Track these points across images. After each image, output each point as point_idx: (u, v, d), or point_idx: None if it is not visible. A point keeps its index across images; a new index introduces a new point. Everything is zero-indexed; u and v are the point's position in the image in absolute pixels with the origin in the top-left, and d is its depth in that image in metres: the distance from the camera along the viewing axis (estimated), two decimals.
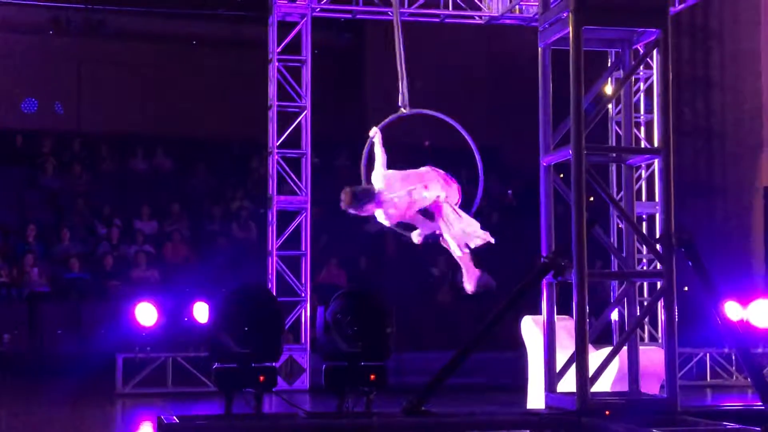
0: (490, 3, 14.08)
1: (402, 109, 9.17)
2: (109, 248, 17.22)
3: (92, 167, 19.72)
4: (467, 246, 8.70)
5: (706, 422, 8.18)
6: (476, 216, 8.80)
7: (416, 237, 8.75)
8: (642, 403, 8.73)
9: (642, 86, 14.69)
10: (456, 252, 8.70)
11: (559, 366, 8.88)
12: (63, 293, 16.11)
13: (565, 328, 9.11)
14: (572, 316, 8.59)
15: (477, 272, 8.72)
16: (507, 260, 17.27)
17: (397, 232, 8.98)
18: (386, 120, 9.08)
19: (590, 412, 8.29)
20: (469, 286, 8.75)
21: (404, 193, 8.57)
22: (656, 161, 9.07)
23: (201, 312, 13.06)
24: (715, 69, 18.28)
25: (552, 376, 8.89)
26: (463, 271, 8.80)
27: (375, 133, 8.81)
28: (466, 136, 9.09)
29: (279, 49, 13.62)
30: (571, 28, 8.59)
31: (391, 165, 8.75)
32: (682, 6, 14.32)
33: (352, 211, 8.60)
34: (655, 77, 12.92)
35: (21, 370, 14.71)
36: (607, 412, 8.30)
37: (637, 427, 7.91)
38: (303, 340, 13.49)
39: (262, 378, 8.48)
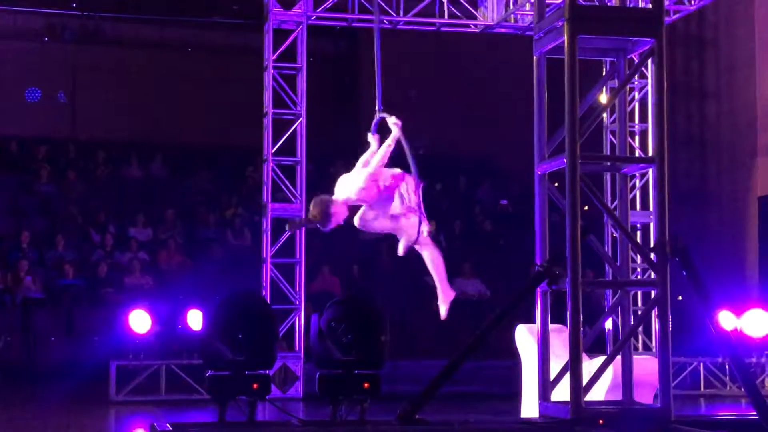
0: (486, 12, 14.10)
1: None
2: (104, 255, 17.19)
3: (87, 174, 19.72)
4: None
5: None
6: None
7: (401, 248, 8.42)
8: (636, 413, 8.71)
9: (637, 95, 14.71)
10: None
11: (553, 375, 8.87)
12: (57, 300, 16.08)
13: (559, 336, 9.10)
14: (566, 325, 8.58)
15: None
16: (501, 269, 17.32)
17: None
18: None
19: (584, 421, 8.27)
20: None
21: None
22: (651, 170, 9.07)
23: (195, 319, 13.04)
24: (709, 79, 18.31)
25: (546, 385, 8.88)
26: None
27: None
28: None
29: (274, 57, 13.61)
30: (566, 37, 8.59)
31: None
32: (677, 16, 14.36)
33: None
34: (649, 86, 12.93)
35: (14, 377, 14.67)
36: (600, 421, 8.29)
37: None
38: (297, 348, 13.48)
39: (255, 386, 8.46)
